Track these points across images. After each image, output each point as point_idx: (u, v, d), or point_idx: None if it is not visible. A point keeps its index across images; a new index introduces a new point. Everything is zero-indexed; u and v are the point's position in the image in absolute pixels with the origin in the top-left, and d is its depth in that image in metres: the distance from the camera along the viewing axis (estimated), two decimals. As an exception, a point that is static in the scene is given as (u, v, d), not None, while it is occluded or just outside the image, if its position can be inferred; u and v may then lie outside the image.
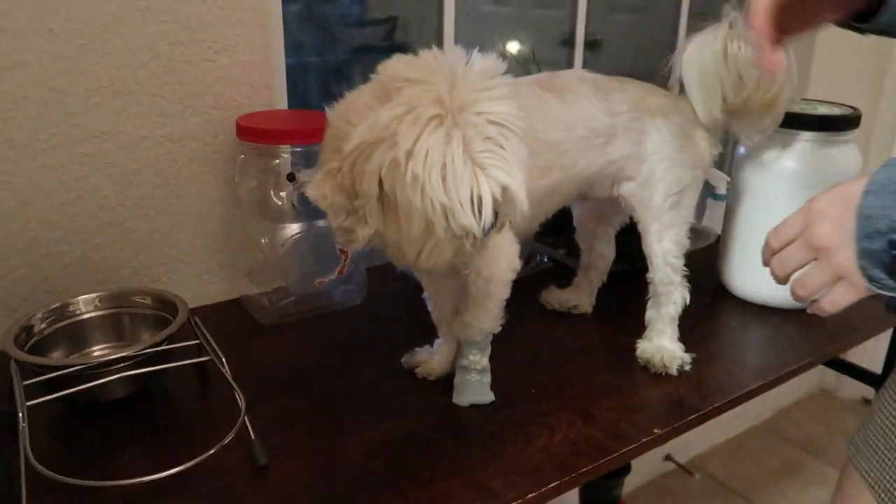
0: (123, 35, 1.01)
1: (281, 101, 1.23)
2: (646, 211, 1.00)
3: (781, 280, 0.66)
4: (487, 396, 0.90)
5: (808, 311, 0.65)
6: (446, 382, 0.94)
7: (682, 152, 0.99)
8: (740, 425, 2.50)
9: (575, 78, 0.98)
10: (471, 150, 0.66)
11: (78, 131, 1.02)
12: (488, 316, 0.88)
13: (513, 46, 1.84)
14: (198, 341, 0.86)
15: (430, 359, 0.96)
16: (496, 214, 0.69)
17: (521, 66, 1.75)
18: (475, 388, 0.90)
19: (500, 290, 0.88)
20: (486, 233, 0.70)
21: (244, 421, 0.78)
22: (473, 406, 0.90)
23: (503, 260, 0.86)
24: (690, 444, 2.31)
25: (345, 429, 0.86)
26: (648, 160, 0.99)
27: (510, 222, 0.74)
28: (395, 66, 0.71)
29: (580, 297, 1.18)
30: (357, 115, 0.70)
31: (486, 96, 0.68)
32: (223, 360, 0.82)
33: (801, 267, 0.63)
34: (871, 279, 0.57)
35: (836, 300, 0.61)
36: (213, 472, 0.76)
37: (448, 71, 0.68)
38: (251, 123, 1.05)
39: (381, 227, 0.71)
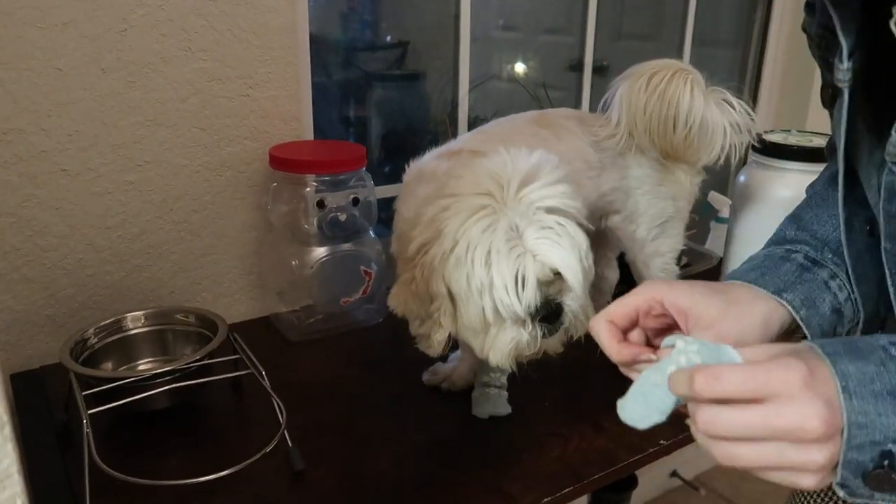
0: (168, 73, 1.09)
1: (308, 132, 1.31)
2: (632, 244, 1.07)
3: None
4: (505, 409, 0.97)
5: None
6: (463, 395, 1.01)
7: (662, 185, 1.05)
8: (745, 443, 2.54)
9: (563, 115, 1.04)
10: (524, 237, 0.69)
11: (124, 161, 1.10)
12: None
13: (520, 70, 1.92)
14: (236, 356, 0.94)
15: (453, 373, 1.03)
16: (553, 306, 0.70)
17: (531, 95, 1.82)
18: (494, 402, 0.97)
19: None
20: (538, 316, 0.71)
21: (283, 429, 0.85)
22: (492, 418, 0.97)
23: None
24: (697, 460, 2.36)
25: (373, 438, 0.93)
26: (632, 194, 1.04)
27: (573, 322, 0.73)
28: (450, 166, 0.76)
29: (588, 316, 1.25)
30: (418, 217, 0.74)
31: (538, 185, 0.71)
32: (263, 373, 0.89)
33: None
34: (843, 485, 0.44)
35: (790, 481, 0.45)
36: (254, 476, 0.83)
37: (499, 167, 0.72)
38: (284, 154, 1.13)
39: (453, 330, 0.73)
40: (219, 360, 0.92)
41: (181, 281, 1.20)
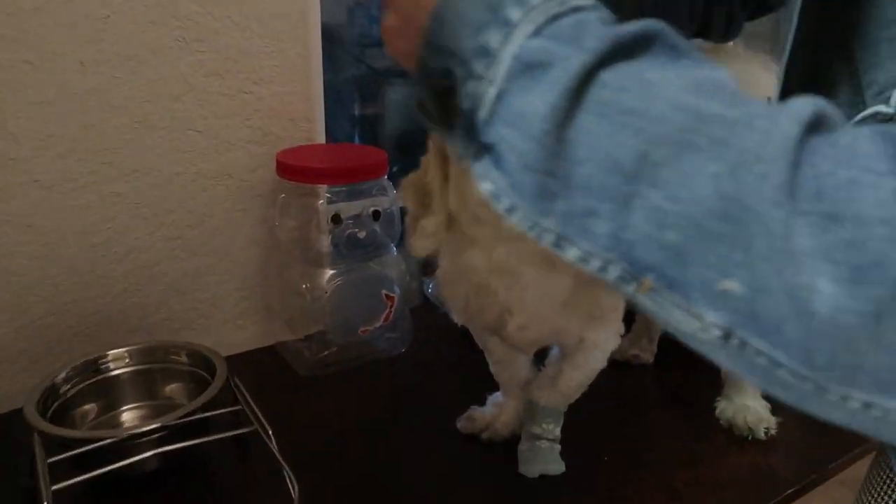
0: (158, 67, 0.94)
1: (320, 135, 1.16)
2: None
3: None
4: (558, 466, 0.82)
5: None
6: (506, 446, 0.86)
7: None
8: (784, 464, 2.39)
9: None
10: None
11: (108, 169, 0.95)
12: (583, 385, 0.81)
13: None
14: (237, 407, 0.78)
15: (495, 420, 0.87)
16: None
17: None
18: (545, 457, 0.81)
19: (604, 361, 0.81)
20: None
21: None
22: (542, 477, 0.81)
23: (615, 329, 0.80)
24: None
25: (398, 499, 0.78)
26: None
27: None
28: None
29: (640, 345, 1.09)
30: None
31: None
32: (269, 432, 0.74)
33: None
34: (420, 106, 0.42)
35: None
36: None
37: None
38: (293, 161, 0.98)
39: (451, 205, 0.63)
40: (217, 412, 0.77)
41: (175, 305, 1.05)
